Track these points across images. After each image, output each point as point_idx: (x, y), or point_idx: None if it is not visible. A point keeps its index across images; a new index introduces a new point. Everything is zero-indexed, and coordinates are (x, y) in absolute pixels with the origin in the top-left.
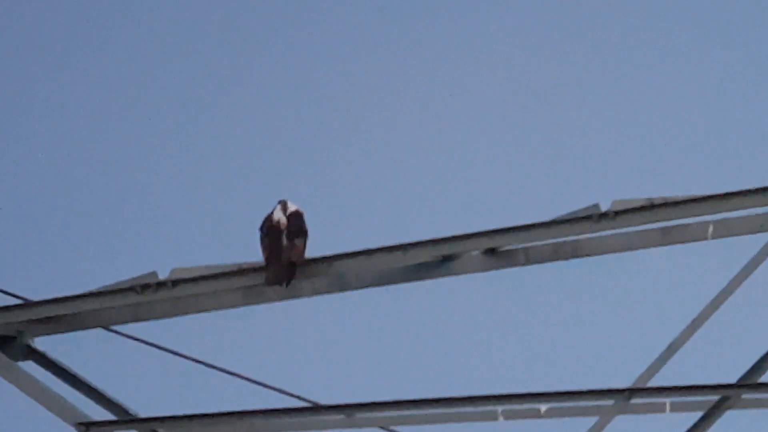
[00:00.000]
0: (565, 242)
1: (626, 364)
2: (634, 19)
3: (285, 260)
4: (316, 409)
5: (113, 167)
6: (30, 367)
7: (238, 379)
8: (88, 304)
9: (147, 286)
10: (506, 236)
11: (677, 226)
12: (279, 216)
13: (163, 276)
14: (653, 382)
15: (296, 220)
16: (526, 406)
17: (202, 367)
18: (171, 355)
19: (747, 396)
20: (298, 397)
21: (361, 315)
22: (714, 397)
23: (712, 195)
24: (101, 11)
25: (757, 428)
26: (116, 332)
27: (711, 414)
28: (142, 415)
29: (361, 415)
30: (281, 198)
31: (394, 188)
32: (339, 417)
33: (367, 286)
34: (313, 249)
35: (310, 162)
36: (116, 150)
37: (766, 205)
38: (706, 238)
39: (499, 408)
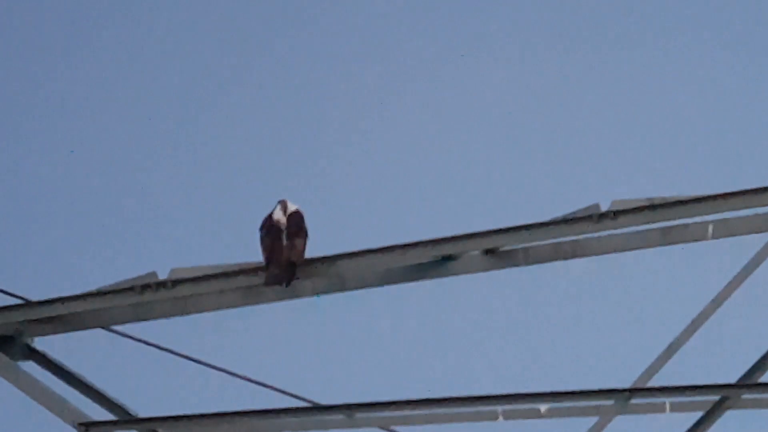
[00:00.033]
0: (565, 242)
1: (626, 364)
2: (634, 19)
3: (285, 260)
4: (316, 409)
5: (113, 167)
6: (30, 367)
7: (238, 379)
8: (88, 304)
9: (147, 286)
10: (506, 236)
11: (677, 226)
12: (279, 216)
13: (163, 276)
14: (653, 382)
15: (296, 220)
16: (526, 406)
17: (202, 367)
18: (171, 355)
19: (747, 396)
20: (298, 397)
21: (361, 315)
22: (714, 397)
23: (712, 195)
24: (101, 11)
25: (757, 428)
26: (116, 332)
27: (711, 414)
28: (142, 415)
29: (361, 415)
30: (281, 198)
31: (394, 188)
32: (339, 417)
33: (367, 286)
34: (313, 249)
35: (310, 162)
36: (116, 150)
37: (766, 205)
38: (706, 238)
39: (499, 408)
